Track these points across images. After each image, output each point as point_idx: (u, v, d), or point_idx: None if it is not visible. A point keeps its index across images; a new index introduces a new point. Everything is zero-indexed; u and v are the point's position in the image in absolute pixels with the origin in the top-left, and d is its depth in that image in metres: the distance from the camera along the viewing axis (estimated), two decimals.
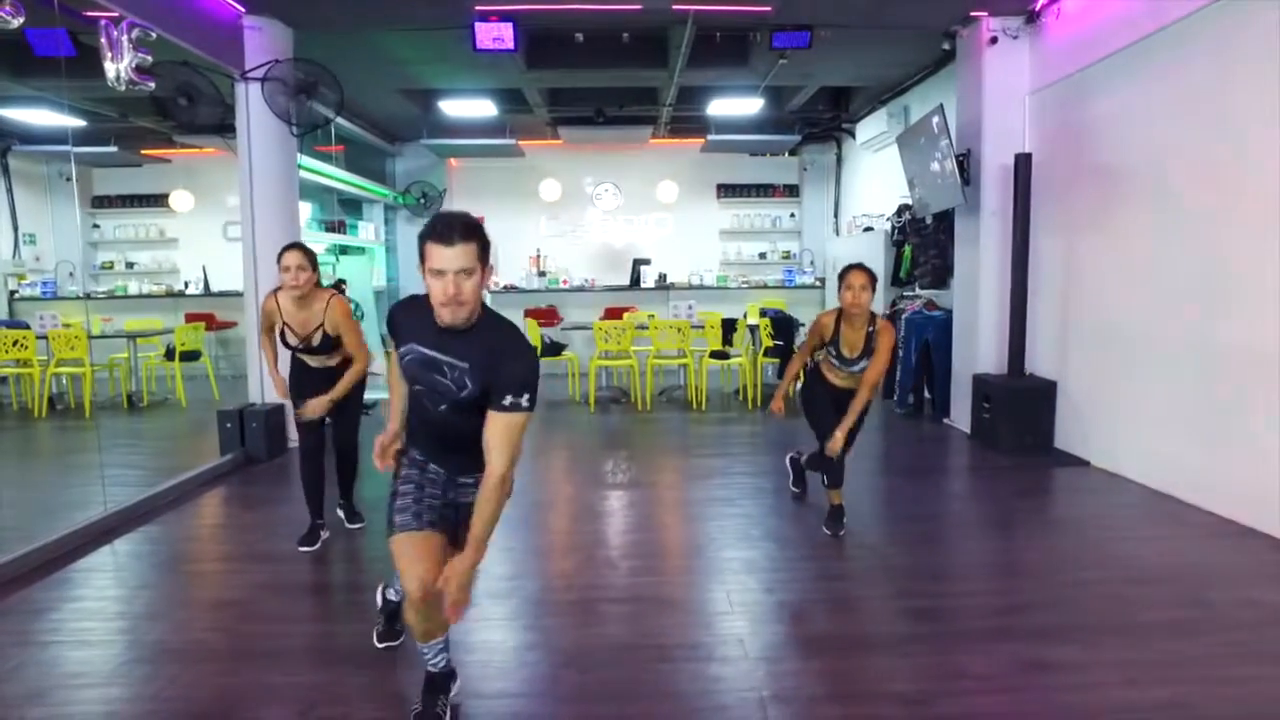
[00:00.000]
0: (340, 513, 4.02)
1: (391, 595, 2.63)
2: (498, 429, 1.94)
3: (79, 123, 7.98)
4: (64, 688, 2.45)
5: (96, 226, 10.62)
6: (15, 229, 9.56)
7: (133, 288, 9.86)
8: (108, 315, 8.68)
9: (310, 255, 3.45)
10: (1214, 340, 3.98)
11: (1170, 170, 4.30)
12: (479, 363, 1.97)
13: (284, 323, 3.51)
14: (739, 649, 2.62)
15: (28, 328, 7.37)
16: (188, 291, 9.74)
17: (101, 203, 10.56)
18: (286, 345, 3.56)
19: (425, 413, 2.12)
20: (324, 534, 3.78)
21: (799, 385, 4.06)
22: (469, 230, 1.88)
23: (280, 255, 3.42)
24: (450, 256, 1.85)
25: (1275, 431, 3.58)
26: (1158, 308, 4.40)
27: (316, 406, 3.47)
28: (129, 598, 3.17)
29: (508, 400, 1.93)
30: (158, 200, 10.43)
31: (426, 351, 2.01)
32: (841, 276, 3.60)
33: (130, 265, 10.59)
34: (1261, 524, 3.64)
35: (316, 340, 3.51)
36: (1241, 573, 3.24)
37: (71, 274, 10.13)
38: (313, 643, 2.74)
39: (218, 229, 10.48)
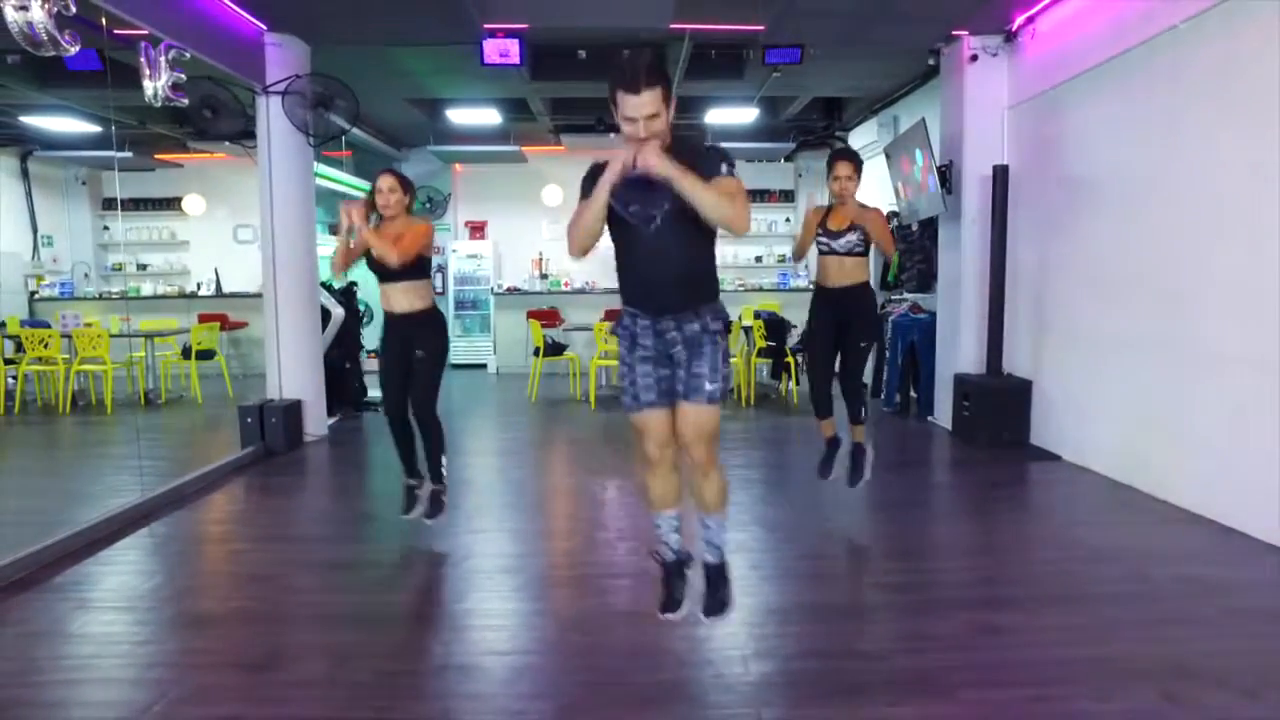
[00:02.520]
0: (419, 508, 3.84)
1: (666, 551, 2.61)
2: (725, 192, 2.16)
3: (98, 129, 8.29)
4: (126, 643, 2.76)
5: (106, 229, 10.92)
6: (35, 231, 9.89)
7: (146, 289, 10.18)
8: (125, 315, 8.99)
9: (403, 179, 3.64)
10: (1169, 341, 4.29)
11: (1130, 182, 4.61)
12: (682, 166, 2.10)
13: (372, 239, 3.52)
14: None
15: (49, 327, 7.69)
16: (200, 293, 10.06)
17: (110, 205, 10.84)
18: (370, 268, 3.61)
19: (637, 245, 2.27)
20: (419, 492, 3.80)
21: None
22: (652, 75, 2.07)
23: (375, 178, 3.61)
24: (637, 104, 2.04)
25: (1221, 425, 3.89)
26: (1120, 311, 4.71)
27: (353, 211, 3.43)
28: (171, 572, 3.49)
29: (719, 172, 2.17)
30: (170, 204, 10.74)
31: (632, 176, 2.14)
32: (829, 165, 3.84)
33: (142, 267, 10.90)
34: (1208, 510, 3.95)
35: (401, 262, 3.50)
36: (1183, 553, 3.56)
37: (87, 275, 10.45)
38: (342, 610, 3.04)
39: (228, 232, 10.80)
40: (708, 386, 2.33)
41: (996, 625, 2.84)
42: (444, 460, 3.81)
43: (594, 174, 2.29)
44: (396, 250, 3.43)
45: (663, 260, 2.29)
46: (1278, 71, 3.53)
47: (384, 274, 3.59)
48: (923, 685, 2.43)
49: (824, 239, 3.92)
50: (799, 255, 4.16)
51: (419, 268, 3.62)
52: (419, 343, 3.65)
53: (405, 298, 3.61)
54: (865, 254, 3.95)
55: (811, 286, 4.06)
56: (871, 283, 4.04)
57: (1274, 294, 3.58)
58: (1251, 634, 2.75)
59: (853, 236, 3.85)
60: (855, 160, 3.83)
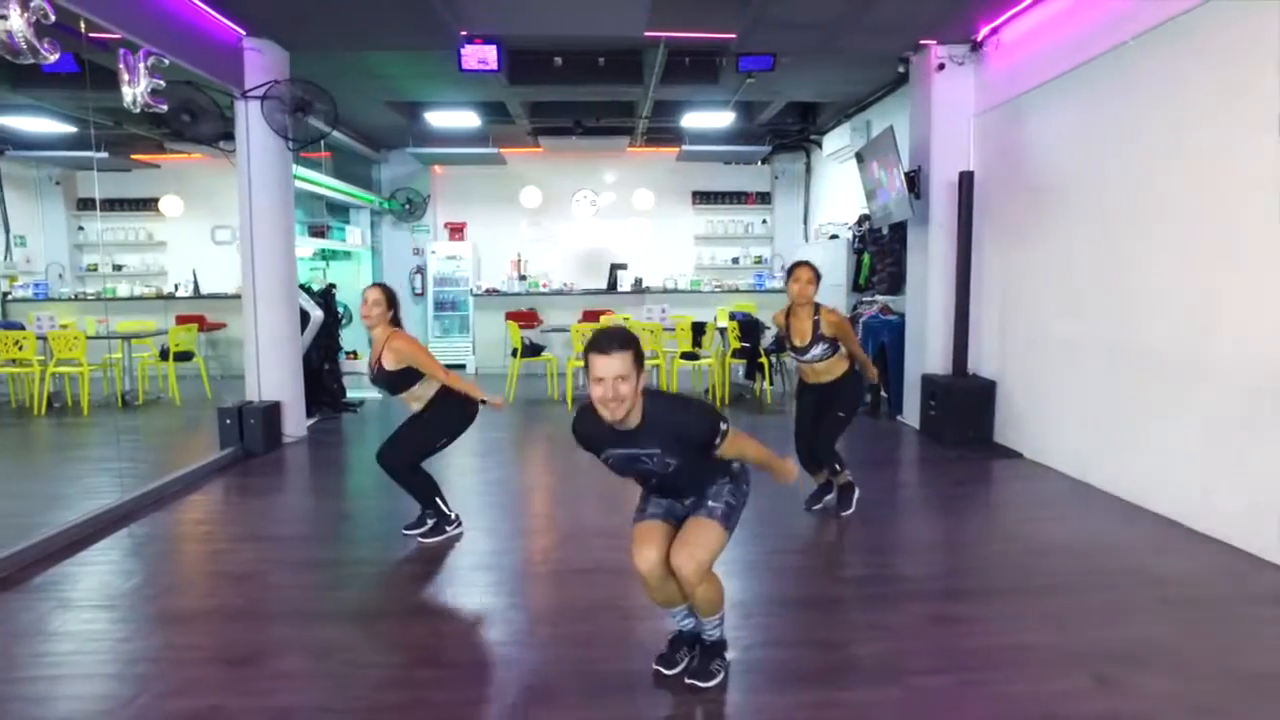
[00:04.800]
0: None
1: (675, 625, 2.65)
2: (729, 452, 2.33)
3: (72, 129, 8.26)
4: (108, 640, 2.84)
5: (81, 229, 10.85)
6: (7, 231, 9.82)
7: (122, 290, 10.14)
8: (102, 317, 8.97)
9: (388, 293, 3.78)
10: (1118, 344, 4.47)
11: (1088, 189, 4.79)
12: (668, 442, 2.24)
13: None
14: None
15: (23, 329, 7.67)
16: (178, 294, 10.04)
17: (85, 206, 10.78)
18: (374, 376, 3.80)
19: (647, 484, 2.47)
20: (448, 528, 3.88)
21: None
22: (624, 342, 2.18)
23: (363, 292, 3.79)
24: (607, 364, 2.14)
25: (1165, 425, 4.08)
26: (1077, 314, 4.89)
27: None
28: (151, 571, 3.56)
29: (716, 442, 2.28)
30: (146, 204, 10.70)
31: (623, 451, 2.30)
32: (789, 272, 4.05)
33: (118, 268, 10.85)
34: (1153, 505, 4.13)
35: (375, 371, 3.74)
36: (1131, 546, 3.73)
37: (61, 276, 10.40)
38: (322, 606, 3.13)
39: (206, 233, 10.78)
40: (711, 503, 2.42)
41: (949, 615, 2.99)
42: (441, 501, 3.89)
43: (583, 440, 2.39)
44: (440, 373, 3.72)
45: (680, 484, 2.45)
46: (1218, 86, 3.72)
47: (386, 390, 3.79)
48: (874, 671, 2.57)
49: (793, 355, 4.14)
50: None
51: (411, 379, 3.73)
52: (411, 420, 3.83)
53: (413, 404, 3.81)
54: (837, 352, 4.07)
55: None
56: (854, 369, 4.17)
57: (1213, 299, 3.76)
58: (1183, 620, 2.92)
59: (818, 349, 4.03)
60: (814, 269, 4.04)
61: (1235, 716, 2.31)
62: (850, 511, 4.22)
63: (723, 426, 2.27)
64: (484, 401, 3.83)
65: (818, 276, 4.03)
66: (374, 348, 3.78)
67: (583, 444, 2.40)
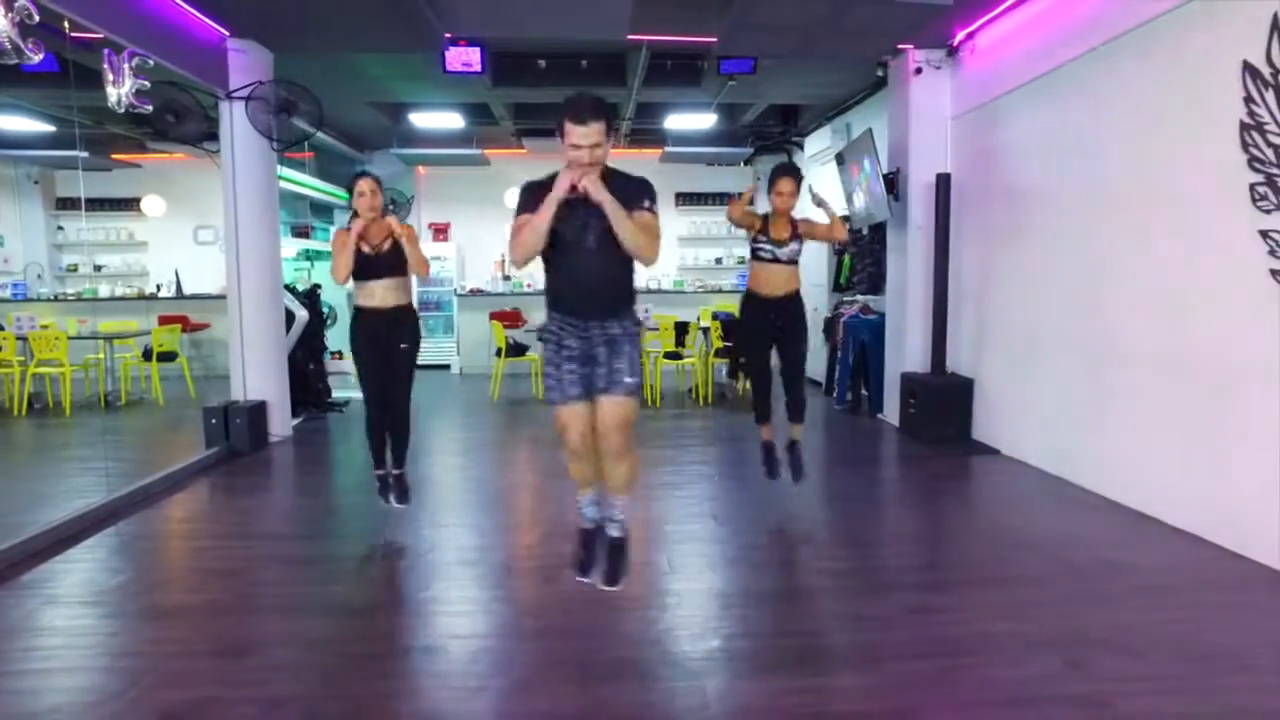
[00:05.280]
0: (391, 496, 4.06)
1: (585, 521, 2.99)
2: (642, 225, 2.53)
3: (51, 128, 8.20)
4: (97, 635, 2.86)
5: (60, 229, 10.77)
6: None
7: (103, 290, 10.07)
8: (83, 317, 8.91)
9: (378, 181, 3.85)
10: (1090, 342, 4.59)
11: (1060, 191, 4.91)
12: (615, 197, 2.47)
13: (358, 238, 3.73)
14: (674, 600, 3.12)
15: (2, 329, 7.61)
16: (160, 294, 9.99)
17: (64, 205, 10.68)
18: (360, 255, 3.74)
19: (571, 258, 2.58)
20: (391, 480, 4.04)
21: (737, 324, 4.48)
22: (598, 111, 2.41)
23: (353, 183, 3.80)
24: (584, 133, 2.39)
25: (1135, 420, 4.19)
26: (1050, 313, 5.01)
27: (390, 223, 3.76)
28: (139, 568, 3.58)
29: (642, 205, 2.54)
30: (128, 204, 10.64)
31: (572, 207, 2.50)
32: (771, 183, 4.03)
33: (98, 268, 10.77)
34: (1125, 499, 4.25)
35: (386, 246, 3.75)
36: (1102, 539, 3.84)
37: (40, 276, 10.31)
38: (310, 600, 3.16)
39: (188, 233, 10.73)
40: (627, 380, 2.68)
41: (925, 605, 3.07)
42: (406, 450, 4.08)
43: (530, 190, 2.61)
44: (424, 261, 3.80)
45: (592, 273, 2.62)
46: (1183, 93, 3.84)
47: (369, 270, 3.77)
48: (852, 659, 2.65)
49: (768, 246, 4.09)
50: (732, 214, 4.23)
51: (404, 265, 3.81)
52: (402, 337, 3.86)
53: (391, 294, 3.82)
54: (798, 263, 4.16)
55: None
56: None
57: (1180, 299, 3.88)
58: (1147, 607, 3.02)
59: (795, 245, 4.08)
60: (797, 177, 4.05)
61: (1199, 691, 2.42)
62: (805, 476, 4.26)
63: (649, 202, 2.58)
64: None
65: (799, 182, 4.04)
66: (366, 233, 3.74)
67: (529, 194, 2.60)
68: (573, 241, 2.55)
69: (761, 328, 4.18)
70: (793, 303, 4.15)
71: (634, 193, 2.54)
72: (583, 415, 2.71)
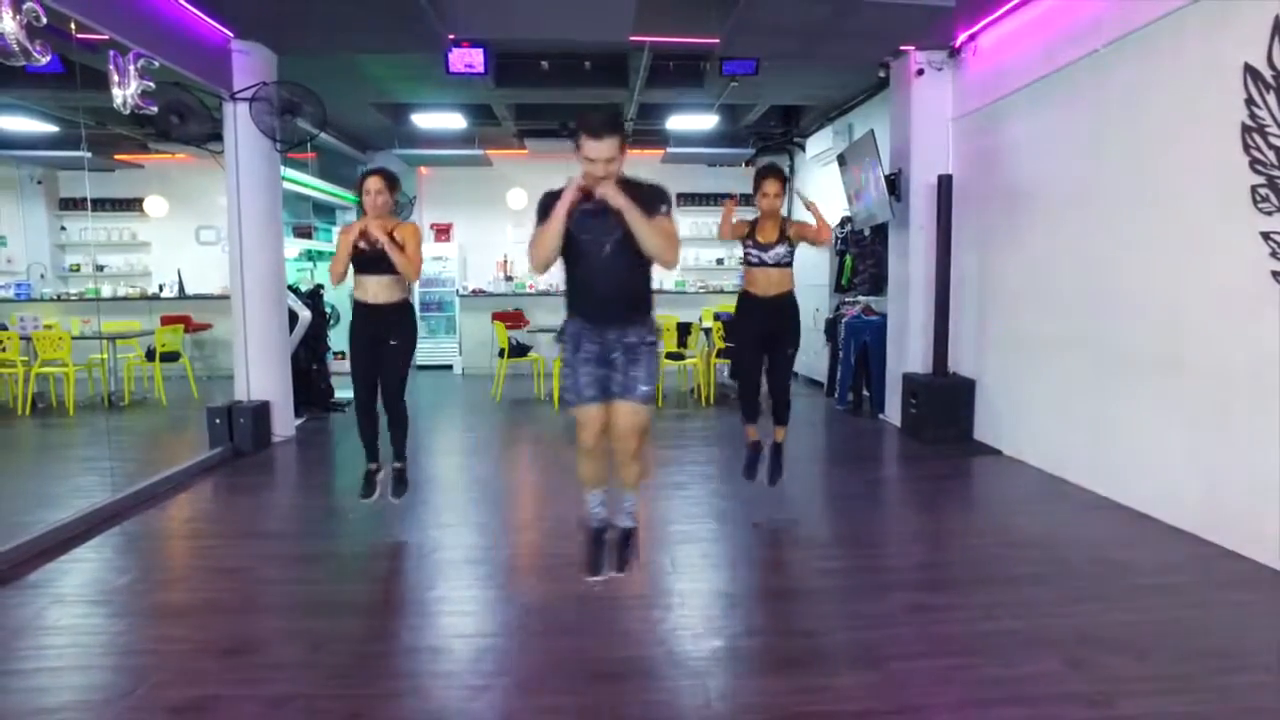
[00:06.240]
0: (390, 490, 4.12)
1: (592, 520, 3.05)
2: (662, 230, 2.59)
3: (54, 129, 8.22)
4: (105, 634, 2.88)
5: (63, 229, 10.79)
6: None
7: (106, 290, 10.09)
8: (86, 317, 8.93)
9: (389, 179, 3.85)
10: (1091, 343, 4.60)
11: (1060, 193, 4.93)
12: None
13: (360, 234, 3.77)
14: (677, 599, 3.14)
15: (5, 329, 7.64)
16: (163, 294, 10.01)
17: (67, 205, 10.71)
18: (357, 252, 3.77)
19: (588, 265, 2.62)
20: (379, 477, 4.09)
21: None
22: (613, 126, 2.49)
23: (362, 181, 3.81)
24: (598, 148, 2.47)
25: (1135, 421, 4.21)
26: (1050, 314, 5.03)
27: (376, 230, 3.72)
28: (145, 567, 3.60)
29: (659, 211, 2.59)
30: (130, 204, 10.66)
31: (589, 206, 2.56)
32: (757, 183, 4.04)
33: (100, 268, 10.80)
34: (1125, 498, 4.26)
35: (378, 243, 3.72)
36: (1100, 537, 3.85)
37: (43, 276, 10.33)
38: (315, 599, 3.19)
39: (191, 233, 10.75)
40: (643, 388, 2.74)
41: (924, 604, 3.09)
42: (406, 441, 4.12)
43: (549, 201, 2.66)
44: (414, 265, 3.81)
45: (609, 280, 2.68)
46: (1185, 94, 3.85)
47: (365, 266, 3.80)
48: (855, 658, 2.67)
49: (754, 251, 4.10)
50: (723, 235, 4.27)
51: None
52: (393, 333, 3.89)
53: (386, 290, 3.85)
54: (791, 264, 4.15)
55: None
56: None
57: (1182, 300, 3.90)
58: (1148, 606, 3.04)
59: (782, 249, 4.06)
60: (781, 177, 4.06)
61: (1197, 690, 2.43)
62: (782, 478, 4.28)
63: (666, 208, 2.62)
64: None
65: (784, 186, 4.07)
66: (367, 231, 3.74)
67: (547, 204, 2.65)
68: (590, 249, 2.61)
69: (752, 328, 4.19)
70: (784, 304, 4.13)
71: (650, 199, 2.61)
72: (598, 416, 2.80)
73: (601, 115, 2.51)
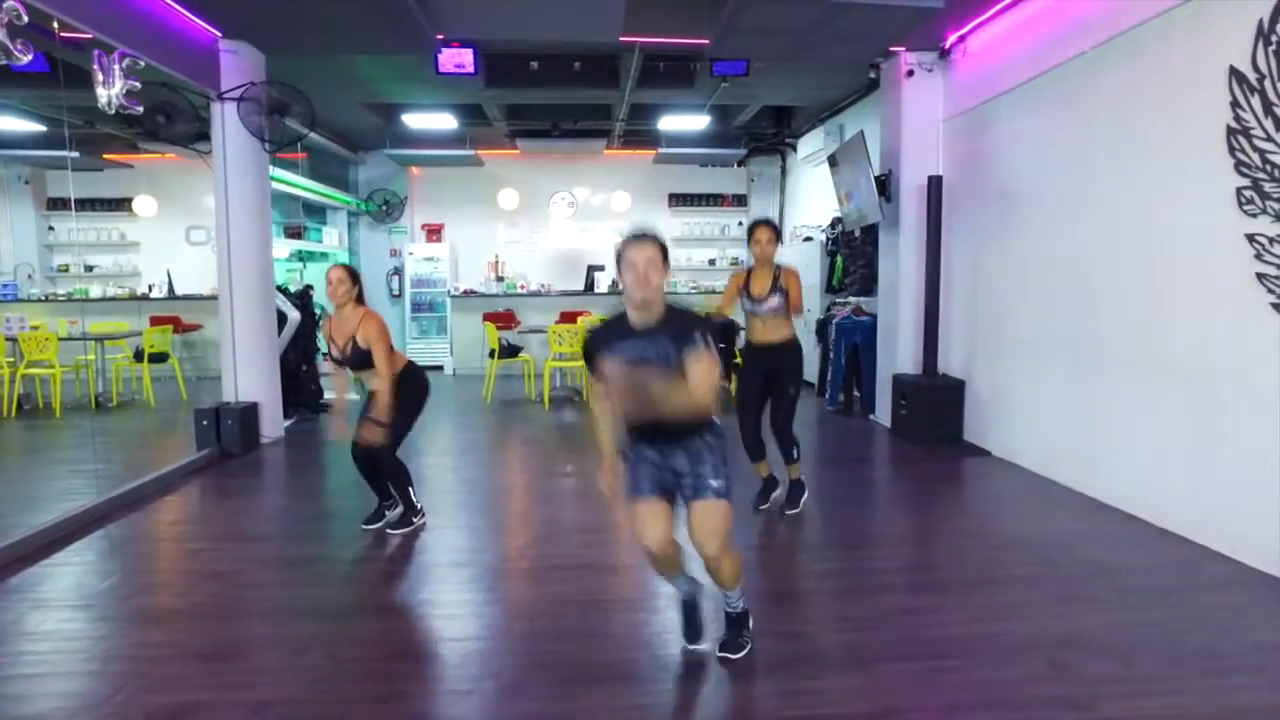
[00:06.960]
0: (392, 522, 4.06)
1: (680, 594, 2.81)
2: (695, 367, 2.40)
3: (42, 128, 8.16)
4: (86, 639, 2.86)
5: (51, 229, 10.71)
6: None
7: (94, 291, 10.02)
8: (74, 318, 8.87)
9: (351, 272, 3.89)
10: (1079, 344, 4.61)
11: (1050, 194, 4.93)
12: (676, 337, 2.42)
13: (329, 337, 3.87)
14: (665, 602, 3.12)
15: None
16: (152, 295, 9.95)
17: (55, 205, 10.63)
18: (330, 359, 3.91)
19: (641, 395, 2.45)
20: (389, 512, 4.09)
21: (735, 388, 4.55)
22: (655, 239, 2.43)
23: (327, 271, 3.86)
24: (640, 251, 2.38)
25: (1124, 422, 4.22)
26: (1039, 316, 5.04)
27: (370, 435, 3.75)
28: (128, 571, 3.57)
29: (696, 343, 2.39)
30: (119, 204, 10.59)
31: (634, 342, 2.46)
32: (750, 234, 4.17)
33: (89, 268, 10.73)
34: (1113, 500, 4.27)
35: (348, 351, 3.79)
36: (1087, 539, 3.86)
37: (30, 276, 10.26)
38: (300, 603, 3.16)
39: (180, 233, 10.68)
40: (713, 483, 2.53)
41: (911, 606, 3.09)
42: (412, 491, 4.06)
43: (593, 345, 2.56)
44: (387, 366, 3.78)
45: (659, 408, 2.47)
46: (1170, 97, 3.86)
47: (348, 365, 3.87)
48: (841, 660, 2.66)
49: (749, 304, 4.20)
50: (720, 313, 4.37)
51: (371, 361, 3.80)
52: (375, 420, 3.81)
53: (376, 380, 3.83)
54: (788, 314, 4.19)
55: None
56: (799, 338, 4.29)
57: (1169, 302, 3.91)
58: (1134, 608, 3.04)
59: (774, 301, 4.13)
60: (774, 228, 4.19)
61: (1180, 691, 2.44)
62: (797, 511, 4.28)
63: (705, 339, 2.43)
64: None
65: (777, 236, 4.20)
66: (340, 327, 3.84)
67: (593, 347, 2.55)
68: (638, 378, 2.43)
69: (753, 372, 4.29)
70: (785, 351, 4.20)
71: (688, 329, 2.44)
72: (663, 518, 2.54)
73: (641, 230, 2.46)
